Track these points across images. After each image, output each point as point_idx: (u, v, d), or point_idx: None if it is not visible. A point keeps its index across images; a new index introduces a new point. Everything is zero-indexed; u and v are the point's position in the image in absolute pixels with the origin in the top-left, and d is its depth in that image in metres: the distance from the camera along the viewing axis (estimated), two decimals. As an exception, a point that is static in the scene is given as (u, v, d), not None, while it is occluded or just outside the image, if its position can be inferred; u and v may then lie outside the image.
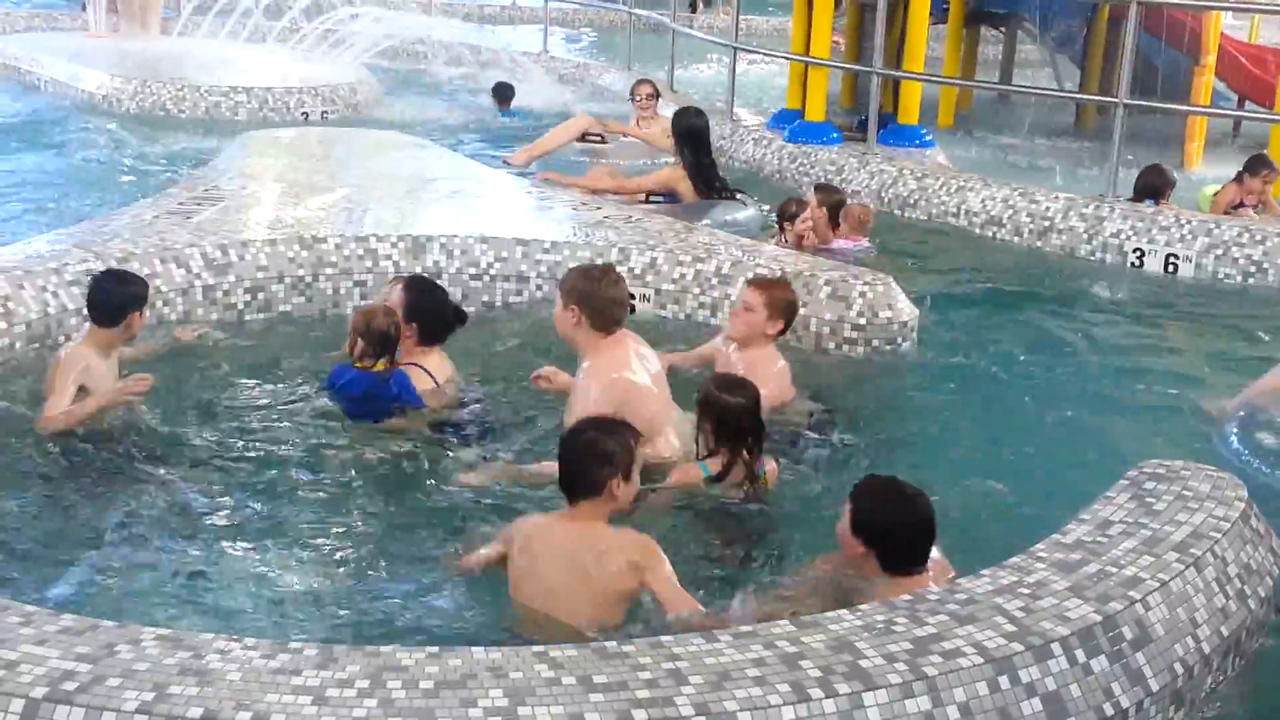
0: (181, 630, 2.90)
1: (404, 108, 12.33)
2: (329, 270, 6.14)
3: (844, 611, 2.99)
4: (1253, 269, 7.40)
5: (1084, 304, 6.99)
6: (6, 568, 3.71)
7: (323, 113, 11.58)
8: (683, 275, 6.15)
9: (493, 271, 6.26)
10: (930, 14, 10.12)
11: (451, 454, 4.56)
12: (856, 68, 10.91)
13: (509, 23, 20.66)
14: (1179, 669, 3.03)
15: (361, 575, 3.75)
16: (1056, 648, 2.88)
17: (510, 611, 3.49)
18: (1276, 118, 9.97)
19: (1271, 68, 11.41)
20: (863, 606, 3.02)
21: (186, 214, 6.50)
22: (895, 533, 3.41)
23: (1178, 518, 3.51)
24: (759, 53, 13.60)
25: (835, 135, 9.80)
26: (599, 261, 6.15)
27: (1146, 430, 5.03)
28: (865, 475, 3.72)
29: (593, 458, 3.46)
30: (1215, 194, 8.66)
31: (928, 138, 9.94)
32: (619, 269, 6.06)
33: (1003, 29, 13.70)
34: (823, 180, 8.68)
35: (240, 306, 5.91)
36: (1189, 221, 7.66)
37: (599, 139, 9.83)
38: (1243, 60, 12.06)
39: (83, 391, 4.60)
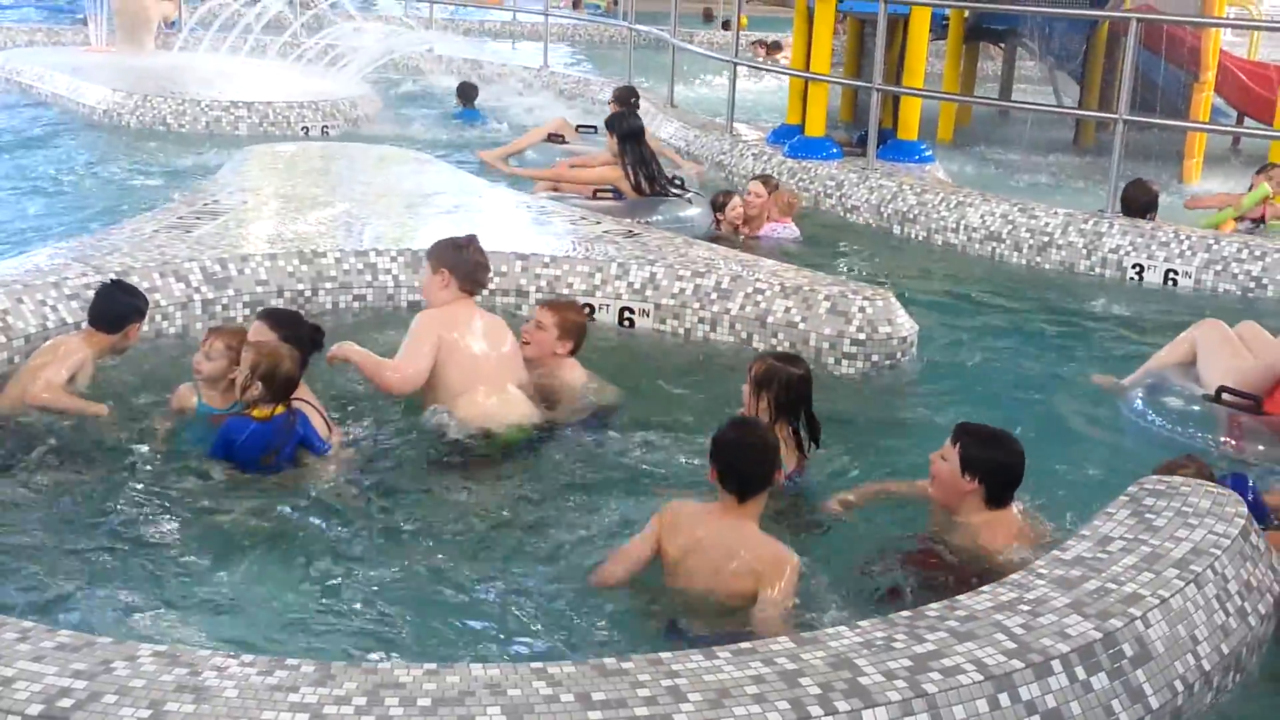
0: (178, 647, 2.88)
1: (405, 123, 12.35)
2: (328, 285, 6.14)
3: (843, 628, 2.98)
4: (1252, 284, 7.41)
5: (1084, 319, 6.98)
6: (2, 583, 3.71)
7: (323, 128, 11.60)
8: (682, 290, 6.15)
9: (492, 286, 6.25)
10: (930, 30, 10.15)
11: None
12: (856, 83, 10.94)
13: (510, 38, 20.71)
14: (1179, 686, 3.02)
15: (361, 591, 3.74)
16: (1057, 665, 2.87)
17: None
18: (1276, 134, 9.99)
19: (1271, 84, 11.42)
20: (862, 624, 3.01)
21: (186, 228, 6.50)
22: (999, 468, 3.90)
23: (1178, 534, 3.50)
24: (759, 68, 13.66)
25: (835, 150, 9.81)
26: (597, 278, 6.18)
27: (1148, 446, 5.02)
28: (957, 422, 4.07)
29: (768, 455, 3.68)
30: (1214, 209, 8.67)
31: (927, 153, 9.95)
32: (619, 283, 6.14)
33: (1002, 45, 13.74)
34: (765, 173, 9.08)
35: (239, 321, 5.91)
36: (1188, 237, 7.67)
37: (560, 139, 10.31)
38: (1242, 77, 12.08)
39: (70, 383, 4.78)
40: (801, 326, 5.84)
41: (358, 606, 3.64)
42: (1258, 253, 7.48)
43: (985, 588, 3.19)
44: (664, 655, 2.85)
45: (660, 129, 11.58)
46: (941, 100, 12.08)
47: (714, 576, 3.59)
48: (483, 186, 8.39)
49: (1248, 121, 12.09)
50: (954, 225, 8.45)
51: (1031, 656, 2.87)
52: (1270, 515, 4.13)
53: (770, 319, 5.92)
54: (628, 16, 14.66)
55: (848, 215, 9.10)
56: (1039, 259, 8.00)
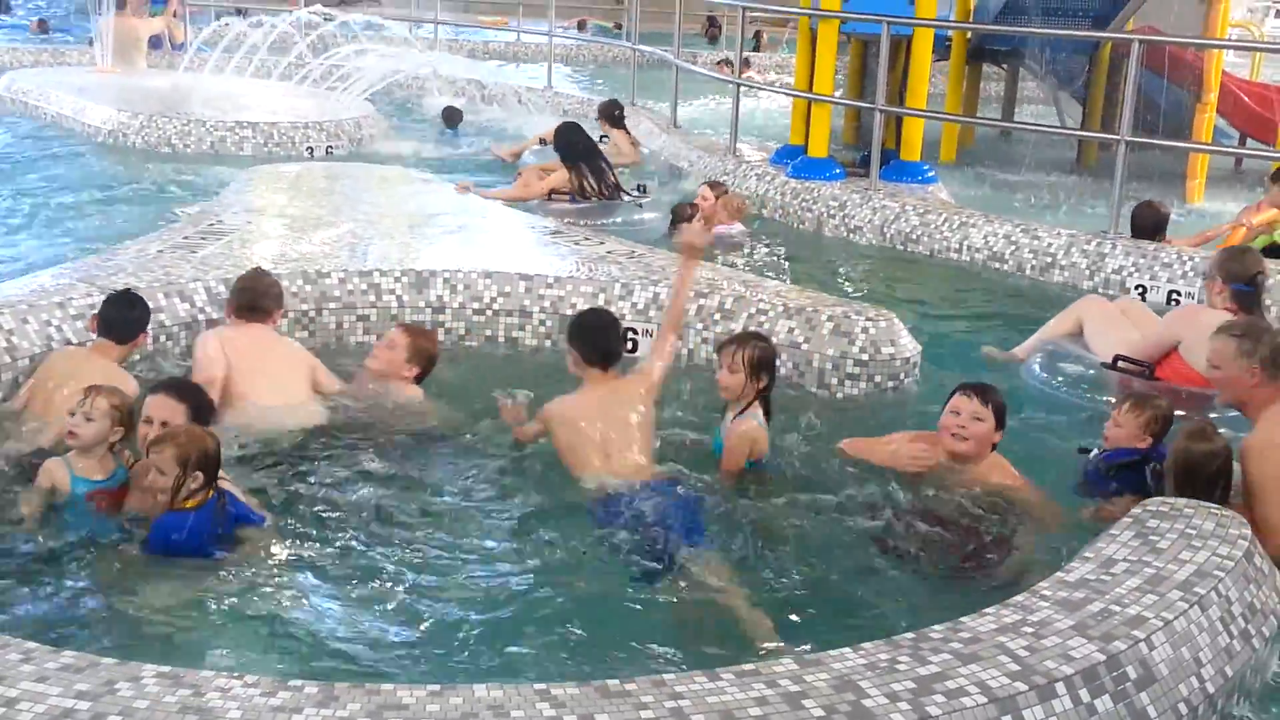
0: (182, 667, 2.88)
1: (408, 143, 12.40)
2: (332, 305, 6.15)
3: (846, 650, 2.98)
4: (1255, 305, 7.40)
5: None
6: (5, 603, 3.71)
7: (327, 148, 11.64)
8: (684, 310, 6.14)
9: (495, 306, 6.27)
10: (933, 50, 10.18)
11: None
12: (859, 104, 10.97)
13: (513, 59, 20.79)
14: (1183, 709, 3.01)
15: (362, 610, 3.73)
16: (1060, 687, 2.86)
17: None
18: (1278, 154, 10.00)
19: (1273, 105, 11.46)
20: (865, 645, 3.00)
21: (191, 248, 6.52)
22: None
23: (1181, 556, 3.50)
24: (762, 88, 13.69)
25: (838, 171, 9.83)
26: (601, 299, 6.19)
27: (1049, 409, 5.31)
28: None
29: (615, 329, 4.96)
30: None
31: (930, 174, 9.98)
32: (623, 304, 6.15)
33: (1005, 66, 13.78)
34: (715, 178, 9.93)
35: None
36: (1191, 258, 7.68)
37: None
38: (1245, 98, 12.12)
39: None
40: (804, 347, 5.85)
41: (358, 628, 3.64)
42: (1260, 273, 7.47)
43: (988, 609, 3.19)
44: (667, 677, 2.85)
45: (663, 149, 11.62)
46: (944, 121, 12.11)
47: (625, 427, 4.57)
48: (487, 206, 8.42)
49: (1250, 143, 12.13)
50: (957, 245, 8.46)
51: (1035, 679, 2.86)
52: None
53: (774, 339, 5.91)
54: (632, 37, 14.71)
55: (851, 236, 9.11)
56: (1042, 279, 8.01)
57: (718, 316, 6.09)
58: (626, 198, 9.33)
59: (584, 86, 18.67)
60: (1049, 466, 4.88)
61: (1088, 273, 7.86)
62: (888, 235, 8.85)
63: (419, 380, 5.43)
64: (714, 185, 9.14)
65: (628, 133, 11.81)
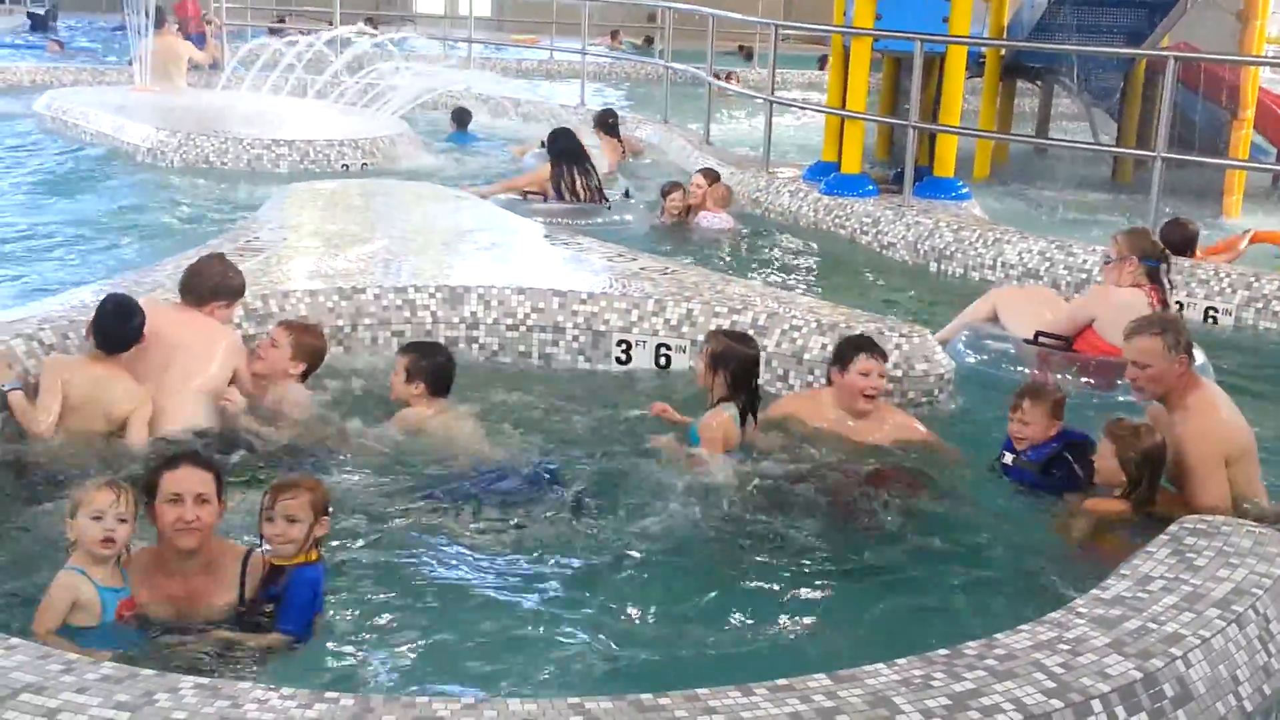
0: (219, 680, 2.91)
1: (442, 160, 12.48)
2: (367, 320, 6.19)
3: (880, 665, 2.97)
4: (1294, 322, 7.37)
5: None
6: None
7: (363, 164, 11.73)
8: (718, 327, 6.15)
9: (529, 322, 6.30)
10: (966, 67, 10.17)
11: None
12: (893, 120, 10.97)
13: (546, 77, 20.89)
14: (1222, 728, 2.99)
15: (400, 621, 3.76)
16: (1097, 705, 2.85)
17: None
18: (1316, 170, 9.93)
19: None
20: (899, 661, 2.99)
21: (229, 264, 6.58)
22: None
23: (1219, 574, 3.48)
24: (795, 105, 13.70)
25: (871, 188, 9.83)
26: (634, 315, 6.20)
27: (976, 382, 5.62)
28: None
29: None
30: None
31: (964, 190, 9.96)
32: (656, 320, 6.16)
33: (1039, 82, 13.74)
34: (710, 167, 10.42)
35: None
36: (1228, 275, 7.62)
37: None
38: (1281, 114, 12.04)
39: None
40: (838, 363, 5.83)
41: (392, 642, 3.66)
42: (1299, 291, 7.43)
43: (1024, 626, 3.18)
44: (700, 691, 2.85)
45: (696, 167, 11.65)
46: (978, 137, 12.08)
47: None
48: (520, 223, 8.46)
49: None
50: (991, 262, 8.43)
51: (1071, 696, 2.85)
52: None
53: (807, 355, 5.92)
54: (664, 55, 14.77)
55: (884, 252, 9.10)
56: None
57: (751, 333, 6.07)
58: (607, 203, 9.82)
59: (617, 104, 18.73)
60: (989, 435, 5.27)
61: (1123, 289, 7.81)
62: (921, 252, 8.83)
63: (304, 378, 5.40)
64: (706, 173, 9.89)
65: (619, 140, 12.26)
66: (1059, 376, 5.94)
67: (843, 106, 10.34)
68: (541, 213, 9.22)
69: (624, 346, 6.21)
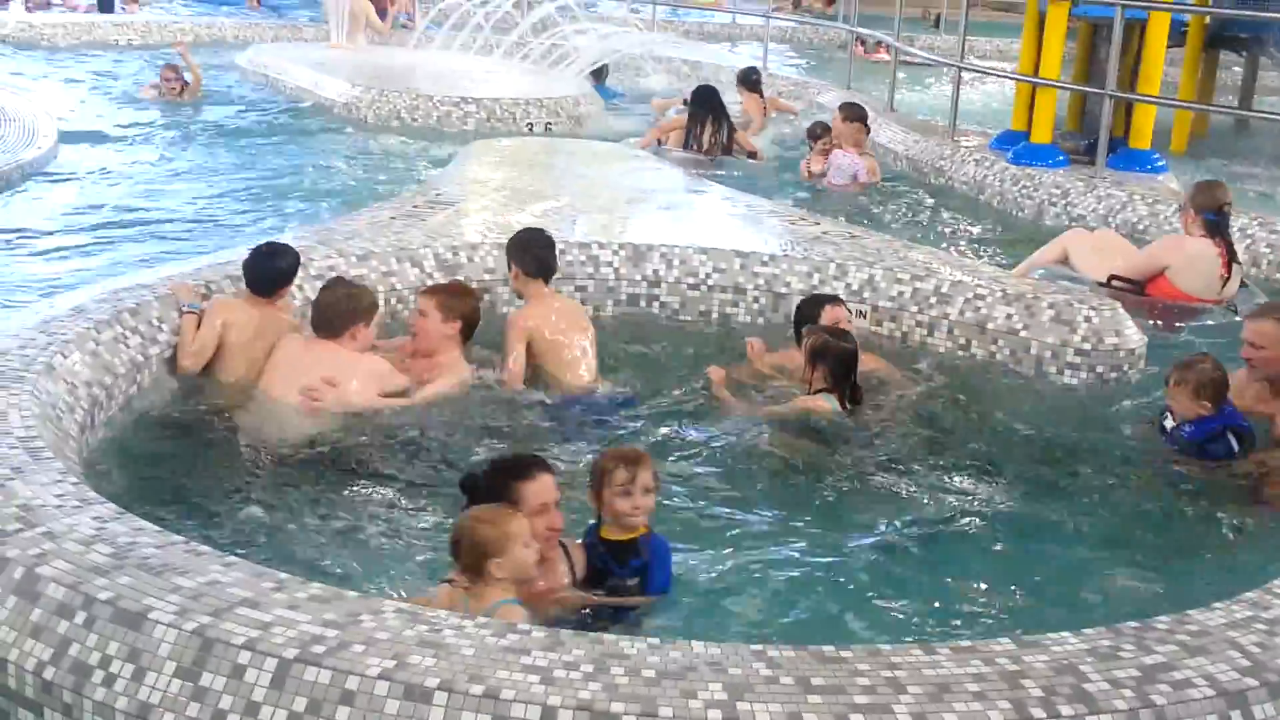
0: (417, 604, 3.04)
1: (623, 120, 12.58)
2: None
3: (1066, 634, 2.94)
4: None
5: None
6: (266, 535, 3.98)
7: (546, 124, 11.90)
8: (900, 293, 6.11)
9: (710, 282, 6.34)
10: (1168, 37, 9.78)
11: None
12: (1089, 89, 10.61)
13: (728, 40, 20.80)
14: None
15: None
16: (1294, 686, 2.77)
17: None
18: None
19: None
20: (1086, 630, 2.96)
21: (420, 217, 6.79)
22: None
23: None
24: (985, 72, 13.39)
25: (1061, 158, 9.56)
26: (816, 279, 6.19)
27: None
28: None
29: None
30: None
31: (1160, 163, 9.60)
32: (838, 284, 6.14)
33: (1245, 54, 13.12)
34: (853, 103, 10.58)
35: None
36: None
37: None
38: None
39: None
40: (1023, 334, 5.74)
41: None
42: None
43: (1218, 604, 3.10)
44: (883, 647, 2.87)
45: (879, 133, 11.49)
46: (1178, 108, 11.61)
47: None
48: (699, 184, 8.49)
49: None
50: (1187, 238, 8.12)
51: (1267, 675, 2.78)
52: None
53: (990, 325, 5.83)
54: (849, 20, 14.57)
55: (1073, 224, 8.84)
56: (1279, 276, 7.65)
57: (933, 300, 6.02)
58: (738, 157, 10.43)
59: (800, 70, 18.57)
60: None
61: (1329, 270, 7.48)
62: (1112, 225, 8.54)
63: (467, 338, 5.26)
64: (844, 107, 10.16)
65: (761, 97, 12.28)
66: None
67: (1035, 73, 10.06)
68: (675, 160, 9.91)
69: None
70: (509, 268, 5.62)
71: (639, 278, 6.36)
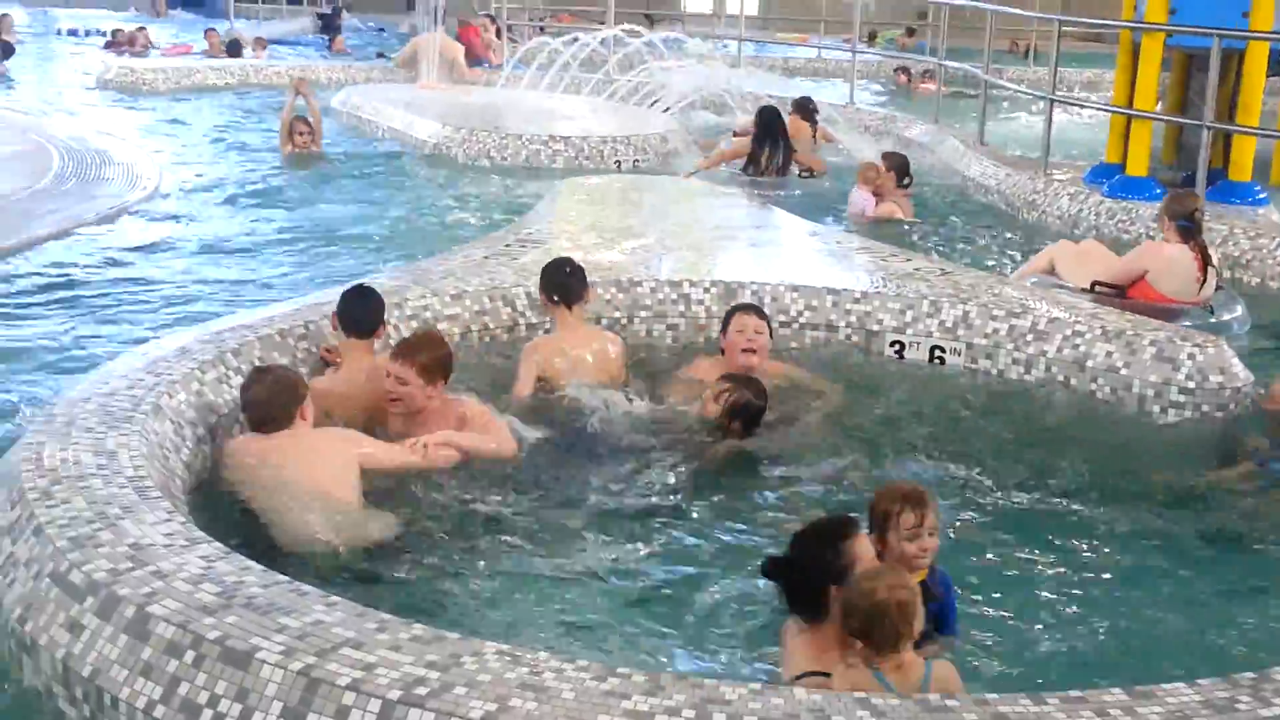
0: (519, 647, 3.05)
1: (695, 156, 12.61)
2: (643, 313, 6.33)
3: (1181, 685, 2.86)
4: None
5: None
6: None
7: (634, 161, 11.98)
8: (995, 330, 6.03)
9: (802, 320, 6.31)
10: (1268, 65, 9.59)
11: None
12: (1186, 120, 10.43)
13: (813, 75, 20.79)
14: None
15: (685, 612, 3.85)
16: None
17: None
18: None
19: None
20: (1201, 681, 2.88)
21: (512, 256, 6.85)
22: None
23: None
24: (1079, 104, 13.22)
25: (1159, 191, 9.39)
26: (908, 316, 6.14)
27: None
28: None
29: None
30: None
31: (1261, 195, 9.39)
32: (931, 321, 6.08)
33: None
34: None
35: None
36: None
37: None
38: None
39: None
40: (1124, 372, 5.64)
41: (684, 622, 3.76)
42: None
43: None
44: (990, 696, 2.82)
45: (969, 168, 11.39)
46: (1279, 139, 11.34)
47: None
48: (787, 220, 8.46)
49: None
50: (1291, 271, 7.95)
51: (1395, 733, 2.68)
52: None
53: (1090, 363, 5.73)
54: (938, 52, 14.48)
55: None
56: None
57: (1030, 338, 5.93)
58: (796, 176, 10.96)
59: (884, 104, 18.50)
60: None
61: None
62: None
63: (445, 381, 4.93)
64: (886, 156, 10.35)
65: (813, 126, 12.54)
66: None
67: (1129, 105, 9.92)
68: (739, 182, 10.49)
69: (897, 347, 6.15)
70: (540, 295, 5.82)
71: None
